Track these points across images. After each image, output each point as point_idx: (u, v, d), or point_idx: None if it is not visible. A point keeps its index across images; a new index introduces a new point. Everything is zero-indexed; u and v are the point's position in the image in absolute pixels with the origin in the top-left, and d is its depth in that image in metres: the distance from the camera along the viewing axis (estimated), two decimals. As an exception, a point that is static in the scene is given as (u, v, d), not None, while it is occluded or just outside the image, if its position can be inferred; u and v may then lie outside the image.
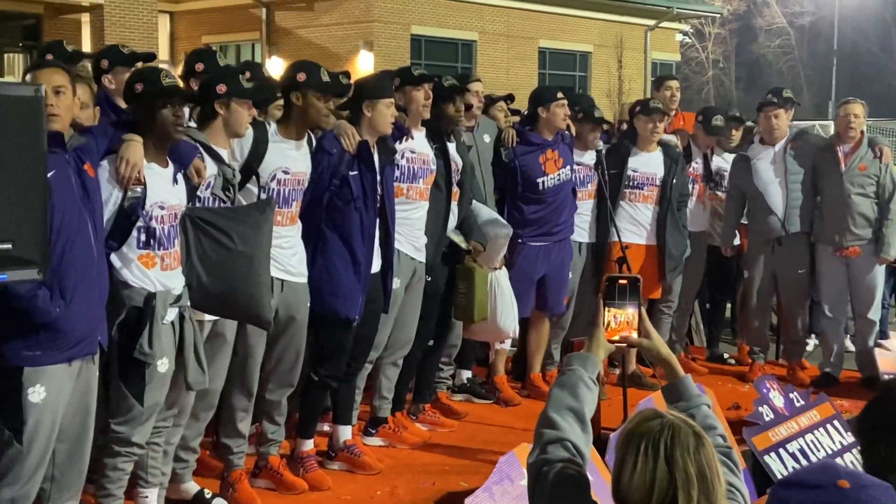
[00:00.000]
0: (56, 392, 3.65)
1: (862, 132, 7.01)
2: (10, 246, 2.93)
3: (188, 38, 25.03)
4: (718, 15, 38.39)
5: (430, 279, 5.63)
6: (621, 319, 2.84)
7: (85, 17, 18.76)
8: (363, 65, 21.92)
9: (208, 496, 4.64)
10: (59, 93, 3.69)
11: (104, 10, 18.20)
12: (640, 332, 2.86)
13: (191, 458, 4.66)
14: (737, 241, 7.50)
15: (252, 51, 25.23)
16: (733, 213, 7.35)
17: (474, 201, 5.99)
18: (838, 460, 5.57)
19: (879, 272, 7.08)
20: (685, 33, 35.35)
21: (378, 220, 5.07)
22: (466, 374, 6.71)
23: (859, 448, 2.75)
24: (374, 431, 5.66)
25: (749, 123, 8.07)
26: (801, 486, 2.22)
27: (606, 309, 2.84)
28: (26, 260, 3.00)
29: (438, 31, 24.25)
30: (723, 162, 7.52)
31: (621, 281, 2.84)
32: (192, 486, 4.67)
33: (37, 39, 18.99)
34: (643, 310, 2.86)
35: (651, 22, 28.52)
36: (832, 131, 18.54)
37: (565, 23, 26.69)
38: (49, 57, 5.01)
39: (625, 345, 2.87)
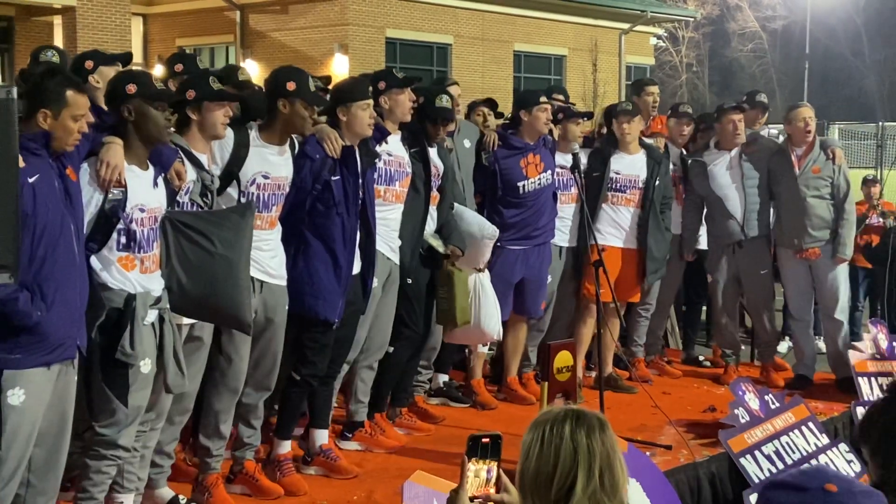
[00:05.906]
0: (35, 395, 3.63)
1: (815, 135, 7.05)
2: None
3: (162, 41, 24.89)
4: (692, 19, 38.61)
5: (410, 282, 5.62)
6: (482, 476, 2.87)
7: (57, 20, 18.55)
8: (338, 68, 21.86)
9: (182, 502, 4.61)
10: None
11: (76, 13, 18.02)
12: (497, 489, 2.88)
13: (166, 463, 4.62)
14: (704, 246, 7.52)
15: (226, 54, 25.10)
16: (693, 217, 7.37)
17: (460, 205, 5.99)
18: (813, 461, 5.60)
19: (842, 272, 7.10)
20: (659, 37, 35.50)
21: (359, 223, 5.04)
22: (443, 378, 6.69)
23: (868, 452, 2.72)
24: (350, 435, 5.63)
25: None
26: (788, 487, 2.21)
27: (469, 465, 2.86)
28: (-2, 264, 2.98)
29: (413, 34, 24.22)
30: None
31: (484, 439, 2.87)
32: (166, 492, 4.63)
33: (8, 42, 18.77)
34: (501, 469, 2.88)
35: (625, 26, 28.63)
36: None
37: (540, 26, 26.74)
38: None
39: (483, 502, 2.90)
